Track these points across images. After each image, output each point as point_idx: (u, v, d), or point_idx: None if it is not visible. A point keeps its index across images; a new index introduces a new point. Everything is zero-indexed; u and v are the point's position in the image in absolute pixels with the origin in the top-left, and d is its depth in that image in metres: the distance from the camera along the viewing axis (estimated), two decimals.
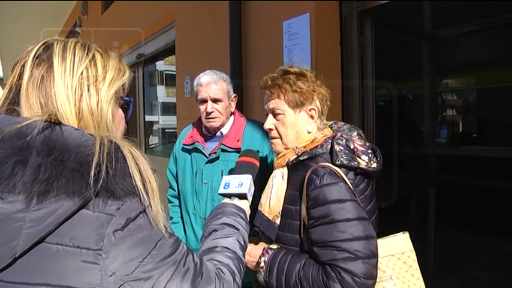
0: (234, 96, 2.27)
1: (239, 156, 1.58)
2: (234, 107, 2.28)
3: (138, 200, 0.82)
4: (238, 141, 2.16)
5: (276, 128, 1.54)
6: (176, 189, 2.40)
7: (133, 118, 6.98)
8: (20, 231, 0.73)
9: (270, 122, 1.55)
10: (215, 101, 2.16)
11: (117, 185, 0.79)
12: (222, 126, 2.22)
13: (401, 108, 4.03)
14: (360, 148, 1.44)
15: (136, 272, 0.79)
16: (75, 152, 0.77)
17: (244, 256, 1.11)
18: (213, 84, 2.16)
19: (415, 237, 1.48)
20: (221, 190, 1.41)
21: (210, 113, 2.16)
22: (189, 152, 2.30)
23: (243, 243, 1.13)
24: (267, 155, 2.14)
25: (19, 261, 0.74)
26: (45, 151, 0.76)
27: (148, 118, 7.29)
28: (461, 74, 4.92)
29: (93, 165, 0.76)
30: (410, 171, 3.61)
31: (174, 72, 4.92)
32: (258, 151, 1.62)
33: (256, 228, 1.58)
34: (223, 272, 0.98)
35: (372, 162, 1.44)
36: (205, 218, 2.18)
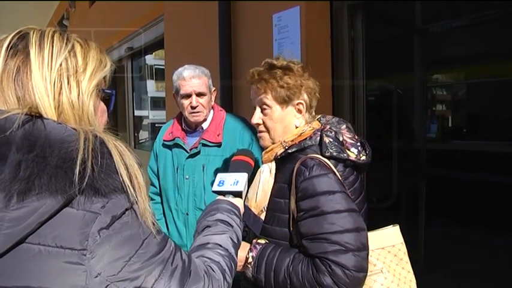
0: (214, 90, 2.26)
1: (235, 155, 1.54)
2: (213, 101, 2.27)
3: (124, 197, 0.78)
4: (218, 135, 2.15)
5: (263, 122, 1.51)
6: (158, 186, 2.38)
7: (122, 113, 6.93)
8: None
9: (257, 117, 1.52)
10: (199, 95, 2.14)
11: (102, 181, 0.75)
12: (205, 120, 2.20)
13: (392, 103, 4.04)
14: (349, 141, 1.42)
15: (122, 272, 0.76)
16: (58, 148, 0.73)
17: (237, 254, 1.08)
18: (196, 78, 2.14)
19: (405, 231, 1.47)
20: (215, 187, 1.35)
21: (195, 107, 2.14)
22: (169, 147, 2.28)
23: (236, 240, 1.10)
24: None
25: None
26: (25, 147, 0.71)
27: (137, 113, 7.23)
28: (452, 69, 4.93)
29: (78, 162, 0.72)
30: (401, 166, 3.62)
31: (164, 67, 4.88)
32: (252, 153, 1.58)
33: (243, 223, 1.56)
34: (213, 270, 0.94)
35: (361, 155, 1.42)
36: (187, 214, 2.18)
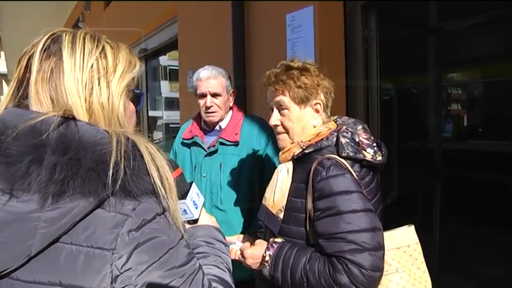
0: (232, 91, 2.29)
1: None
2: (232, 101, 2.30)
3: (155, 200, 0.80)
4: (236, 134, 2.18)
5: (281, 123, 1.53)
6: None
7: (136, 113, 6.98)
8: (35, 231, 0.72)
9: (275, 118, 1.54)
10: (214, 95, 2.18)
11: (134, 184, 0.77)
12: (221, 120, 2.24)
13: (406, 103, 4.00)
14: (365, 141, 1.43)
15: (141, 276, 0.77)
16: (91, 151, 0.75)
17: (232, 281, 1.02)
18: (212, 79, 2.18)
19: (419, 231, 1.47)
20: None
21: (209, 108, 2.18)
22: (188, 146, 2.32)
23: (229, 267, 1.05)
24: (264, 149, 2.17)
25: (34, 260, 0.73)
26: (60, 150, 0.73)
27: (151, 113, 7.29)
28: (467, 68, 4.87)
29: (111, 165, 0.74)
30: (416, 166, 3.59)
31: (178, 67, 4.91)
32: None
33: (260, 222, 1.57)
34: None
35: (377, 155, 1.43)
36: None
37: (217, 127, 2.26)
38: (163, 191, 0.80)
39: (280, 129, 1.54)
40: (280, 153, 1.58)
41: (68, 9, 9.82)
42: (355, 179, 1.35)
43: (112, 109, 0.86)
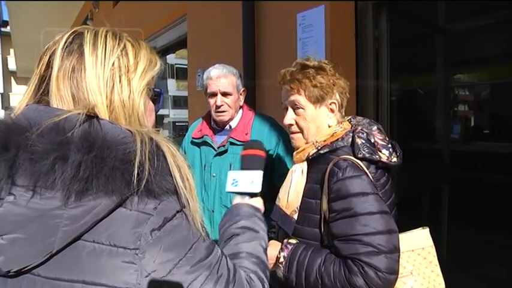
0: (243, 90, 2.28)
1: (244, 149, 1.39)
2: (242, 100, 2.29)
3: (175, 199, 0.80)
4: (246, 134, 2.16)
5: (296, 122, 1.52)
6: None
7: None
8: (57, 229, 0.72)
9: (290, 117, 1.52)
10: (225, 94, 2.17)
11: (157, 184, 0.77)
12: (231, 119, 2.23)
13: (416, 103, 3.98)
14: (381, 142, 1.42)
15: (171, 274, 0.77)
16: (115, 150, 0.75)
17: (267, 259, 1.07)
18: (222, 78, 2.17)
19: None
20: (229, 188, 1.28)
21: (220, 107, 2.17)
22: (198, 145, 2.31)
23: (264, 246, 1.09)
24: (274, 149, 2.15)
25: (55, 258, 0.74)
26: (85, 148, 0.73)
27: (159, 111, 7.27)
28: (476, 68, 4.84)
29: (136, 165, 0.74)
30: (424, 167, 3.57)
31: (186, 66, 4.90)
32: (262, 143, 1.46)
33: (274, 223, 1.56)
34: (253, 280, 0.94)
35: (392, 156, 1.42)
36: (213, 211, 2.20)
37: (227, 126, 2.25)
38: (184, 191, 0.81)
39: (294, 128, 1.53)
40: (294, 153, 1.56)
41: (77, 8, 9.84)
42: (371, 180, 1.34)
43: (132, 107, 0.86)
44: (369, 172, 1.36)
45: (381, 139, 1.42)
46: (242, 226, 1.10)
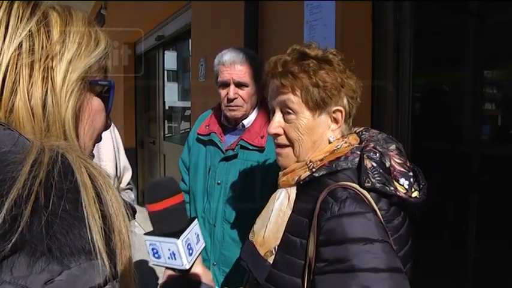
0: (264, 81, 1.87)
1: (147, 202, 0.99)
2: (261, 94, 1.88)
3: (94, 264, 0.46)
4: (262, 137, 1.77)
5: (285, 132, 1.13)
6: (188, 183, 2.02)
7: (154, 105, 6.74)
8: None
9: (276, 124, 1.13)
10: (239, 85, 1.79)
11: (53, 240, 0.44)
12: (245, 117, 1.84)
13: (441, 100, 3.61)
14: (398, 168, 1.01)
15: None
16: None
17: None
18: (238, 64, 1.78)
19: (453, 248, 1.06)
20: (153, 259, 0.98)
21: (232, 100, 1.78)
22: (203, 143, 1.94)
23: None
24: None
25: None
26: None
27: (180, 104, 6.96)
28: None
29: (7, 202, 0.41)
30: (450, 175, 3.18)
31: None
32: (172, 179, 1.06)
33: (243, 263, 1.17)
34: None
35: (413, 189, 1.01)
36: (214, 225, 1.84)
37: (239, 125, 1.87)
38: (104, 256, 0.46)
39: (281, 140, 1.14)
40: (280, 173, 1.17)
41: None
42: (381, 221, 0.95)
43: (52, 114, 0.54)
44: (379, 209, 0.96)
45: (399, 163, 1.03)
46: None
